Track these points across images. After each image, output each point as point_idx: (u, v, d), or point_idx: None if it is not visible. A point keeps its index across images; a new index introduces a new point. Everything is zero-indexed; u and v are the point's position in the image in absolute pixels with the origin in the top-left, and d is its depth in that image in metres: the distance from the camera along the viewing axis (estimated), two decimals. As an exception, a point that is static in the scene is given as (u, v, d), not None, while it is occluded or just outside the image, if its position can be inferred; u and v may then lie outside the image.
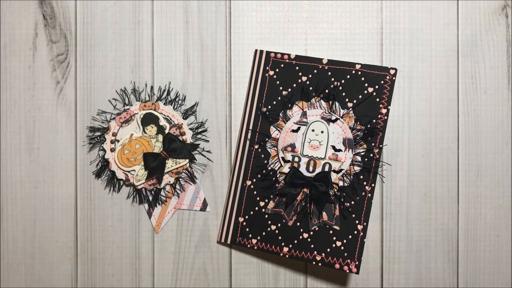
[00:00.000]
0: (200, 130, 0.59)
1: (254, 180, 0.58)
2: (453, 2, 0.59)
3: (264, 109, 0.58)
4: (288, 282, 0.59)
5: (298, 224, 0.56)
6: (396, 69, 0.56)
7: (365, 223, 0.55)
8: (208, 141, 0.59)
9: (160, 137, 0.58)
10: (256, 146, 0.58)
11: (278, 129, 0.57)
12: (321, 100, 0.57)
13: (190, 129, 0.59)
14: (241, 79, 0.59)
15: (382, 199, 0.59)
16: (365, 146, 0.56)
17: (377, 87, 0.56)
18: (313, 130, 0.56)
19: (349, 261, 0.55)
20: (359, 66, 0.56)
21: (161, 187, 0.58)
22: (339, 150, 0.56)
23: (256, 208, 0.57)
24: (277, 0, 0.59)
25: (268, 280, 0.59)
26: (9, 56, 0.59)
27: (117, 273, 0.59)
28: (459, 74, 0.59)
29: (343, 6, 0.59)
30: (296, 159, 0.56)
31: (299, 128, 0.57)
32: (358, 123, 0.56)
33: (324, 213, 0.56)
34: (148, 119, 0.58)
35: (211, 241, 0.59)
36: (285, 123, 0.57)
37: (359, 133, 0.56)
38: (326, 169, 0.56)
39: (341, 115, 0.56)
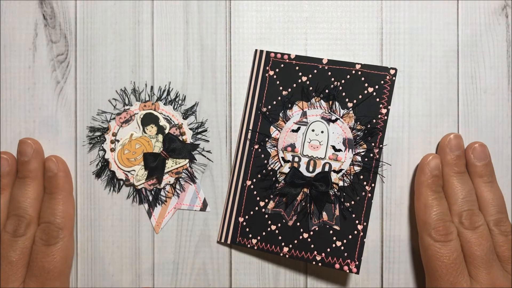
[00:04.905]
0: (200, 130, 0.59)
1: (254, 180, 0.58)
2: (453, 2, 0.59)
3: (264, 109, 0.58)
4: (288, 282, 0.59)
5: (298, 224, 0.56)
6: (396, 69, 0.56)
7: (365, 223, 0.55)
8: (208, 141, 0.59)
9: (160, 137, 0.58)
10: (256, 146, 0.58)
11: (278, 129, 0.57)
12: (321, 100, 0.57)
13: (190, 129, 0.59)
14: (241, 79, 0.59)
15: (382, 199, 0.59)
16: (365, 146, 0.56)
17: (377, 87, 0.56)
18: (313, 130, 0.56)
19: (349, 261, 0.55)
20: (359, 66, 0.56)
21: (161, 187, 0.58)
22: (339, 150, 0.56)
23: (256, 208, 0.57)
24: (277, 0, 0.59)
25: (268, 280, 0.59)
26: (9, 56, 0.59)
27: (117, 273, 0.59)
28: (459, 74, 0.59)
29: (343, 6, 0.59)
30: (296, 159, 0.56)
31: (299, 128, 0.57)
32: (358, 123, 0.56)
33: (324, 213, 0.56)
34: (148, 119, 0.58)
35: (211, 241, 0.59)
36: (285, 123, 0.57)
37: (359, 133, 0.56)
38: (326, 169, 0.56)
39: (341, 115, 0.56)
